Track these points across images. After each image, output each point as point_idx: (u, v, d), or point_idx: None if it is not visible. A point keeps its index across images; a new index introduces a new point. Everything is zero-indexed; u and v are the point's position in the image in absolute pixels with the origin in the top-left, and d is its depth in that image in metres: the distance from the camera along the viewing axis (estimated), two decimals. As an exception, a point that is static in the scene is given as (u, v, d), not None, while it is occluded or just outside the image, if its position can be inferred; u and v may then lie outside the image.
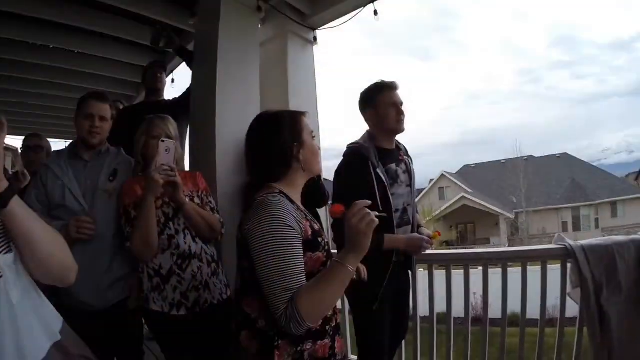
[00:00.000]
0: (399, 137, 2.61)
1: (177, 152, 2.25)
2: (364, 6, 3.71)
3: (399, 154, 2.55)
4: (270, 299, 1.30)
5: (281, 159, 1.55)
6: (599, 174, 32.65)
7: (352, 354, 3.41)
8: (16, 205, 1.06)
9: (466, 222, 31.17)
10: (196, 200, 2.31)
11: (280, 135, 1.55)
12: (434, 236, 2.53)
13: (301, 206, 1.59)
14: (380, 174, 2.35)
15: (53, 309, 1.26)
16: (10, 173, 3.67)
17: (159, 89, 3.81)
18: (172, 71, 5.16)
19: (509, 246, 24.01)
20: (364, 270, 1.94)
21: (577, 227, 29.20)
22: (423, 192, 34.76)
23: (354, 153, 2.43)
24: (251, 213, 1.43)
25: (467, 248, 19.92)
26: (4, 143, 1.12)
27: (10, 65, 4.97)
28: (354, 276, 1.37)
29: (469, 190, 31.85)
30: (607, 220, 28.76)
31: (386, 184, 2.35)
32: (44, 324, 1.17)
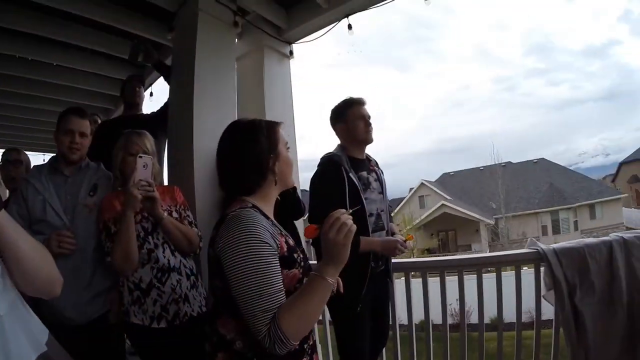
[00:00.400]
0: (373, 151, 2.71)
1: (155, 167, 2.29)
2: (339, 20, 3.80)
3: (369, 164, 2.69)
4: (251, 321, 1.23)
5: (256, 170, 1.47)
6: (576, 177, 33.15)
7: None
8: (4, 219, 1.08)
9: (447, 230, 31.34)
10: (174, 214, 2.34)
11: (257, 144, 1.47)
12: (408, 238, 2.63)
13: (275, 221, 1.51)
14: (353, 178, 2.47)
15: (39, 321, 1.28)
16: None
17: (137, 103, 3.82)
18: (150, 85, 5.14)
19: (490, 252, 24.24)
20: (339, 282, 1.96)
21: (556, 230, 29.60)
22: (403, 201, 34.98)
23: (327, 161, 2.55)
24: (223, 229, 1.35)
25: (449, 255, 20.04)
26: None
27: None
28: (334, 289, 1.32)
29: (449, 198, 32.10)
30: (586, 222, 29.22)
31: (359, 187, 2.46)
32: (30, 335, 1.19)
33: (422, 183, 35.10)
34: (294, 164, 1.59)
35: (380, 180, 2.69)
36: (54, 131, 2.39)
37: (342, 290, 1.91)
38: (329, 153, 2.61)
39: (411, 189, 35.94)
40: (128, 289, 2.19)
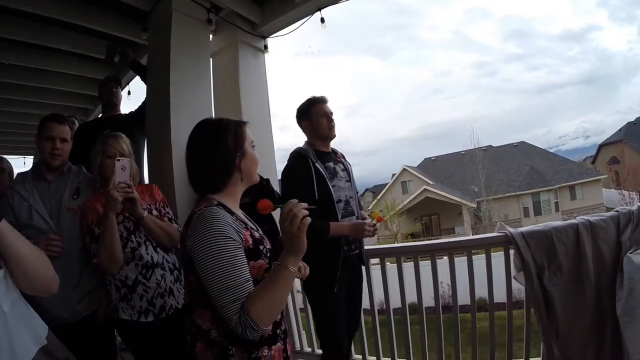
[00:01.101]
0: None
1: (133, 168, 2.35)
2: (312, 14, 3.86)
3: (336, 156, 2.84)
4: (222, 311, 1.32)
5: (223, 168, 1.53)
6: (556, 159, 33.53)
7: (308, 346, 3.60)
8: (5, 226, 1.23)
9: (430, 214, 31.57)
10: (154, 212, 2.42)
11: (223, 143, 1.52)
12: (374, 217, 2.72)
13: (241, 215, 1.59)
14: (319, 167, 2.62)
15: (39, 318, 1.40)
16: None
17: (115, 104, 3.82)
18: (127, 83, 5.13)
19: (473, 234, 24.51)
20: (304, 267, 2.03)
21: (538, 211, 30.01)
22: (386, 187, 35.21)
23: (295, 154, 2.72)
24: (190, 228, 1.42)
25: (433, 239, 20.23)
26: None
27: None
28: (298, 275, 1.44)
29: (431, 183, 32.30)
30: (566, 203, 29.66)
31: (325, 176, 2.61)
32: (31, 330, 1.33)
33: (404, 169, 35.31)
34: (258, 161, 1.63)
35: (347, 170, 2.82)
36: (36, 137, 2.44)
37: (304, 277, 1.91)
38: (297, 148, 2.76)
39: (393, 175, 36.19)
40: (115, 286, 2.27)
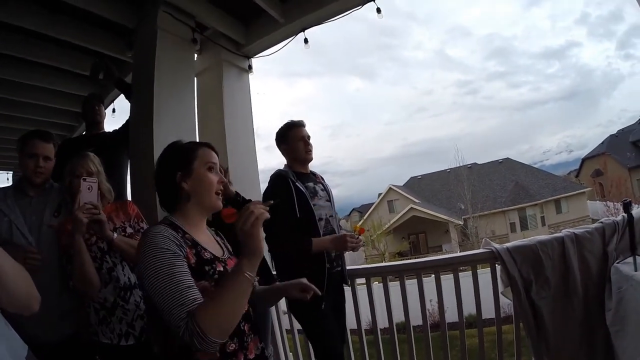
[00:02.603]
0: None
1: (104, 187, 2.34)
2: (296, 34, 3.91)
3: (315, 177, 2.90)
4: (170, 319, 1.24)
5: (166, 189, 1.56)
6: (540, 174, 33.85)
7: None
8: None
9: (417, 232, 31.63)
10: (128, 229, 2.36)
11: (167, 164, 1.57)
12: (355, 228, 2.75)
13: (194, 237, 1.51)
14: (300, 187, 2.66)
15: (19, 337, 1.38)
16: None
17: (98, 122, 3.79)
18: (112, 101, 5.15)
19: (460, 251, 24.54)
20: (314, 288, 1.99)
21: (524, 226, 30.19)
22: (373, 207, 35.26)
23: (275, 176, 2.76)
24: (138, 245, 1.42)
25: (420, 257, 20.22)
26: None
27: None
28: (254, 282, 1.36)
29: (417, 201, 32.41)
30: (552, 217, 29.87)
31: (307, 194, 2.65)
32: (11, 350, 1.30)
33: (390, 188, 35.38)
34: (212, 183, 1.57)
35: (326, 190, 2.88)
36: (19, 153, 2.41)
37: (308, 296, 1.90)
38: (277, 170, 2.81)
39: (380, 194, 36.25)
40: (94, 309, 2.21)
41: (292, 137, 2.82)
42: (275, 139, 2.92)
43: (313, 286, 1.88)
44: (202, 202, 1.56)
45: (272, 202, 1.39)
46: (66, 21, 3.82)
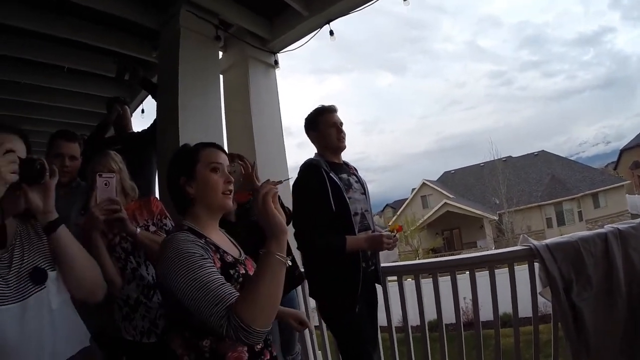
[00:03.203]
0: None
1: (126, 184, 2.31)
2: (321, 27, 3.84)
3: (348, 168, 2.71)
4: (210, 320, 1.21)
5: (174, 194, 1.57)
6: (577, 167, 32.99)
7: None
8: (63, 232, 1.43)
9: (451, 228, 31.25)
10: (151, 228, 2.32)
11: (172, 169, 1.58)
12: (392, 228, 2.56)
13: (214, 239, 1.52)
14: (334, 178, 2.47)
15: (83, 324, 1.55)
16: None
17: (124, 124, 3.81)
18: (141, 101, 5.22)
19: (495, 247, 24.15)
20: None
21: (561, 221, 29.40)
22: (406, 202, 34.98)
23: (306, 166, 2.57)
24: (159, 254, 1.40)
25: (455, 254, 19.97)
26: (53, 185, 1.42)
27: None
28: (288, 263, 1.30)
29: (451, 196, 32.01)
30: (590, 211, 29.01)
31: (341, 186, 2.47)
32: (75, 331, 1.49)
33: (423, 183, 35.05)
34: (217, 184, 1.55)
35: (361, 182, 2.70)
36: (45, 154, 2.42)
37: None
38: (307, 159, 2.64)
39: (413, 190, 35.96)
40: (118, 305, 2.20)
41: (323, 123, 2.63)
42: (304, 126, 2.75)
43: (309, 322, 1.88)
44: (209, 204, 1.55)
45: (282, 180, 1.38)
46: (93, 26, 3.90)
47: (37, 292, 1.34)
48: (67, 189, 2.45)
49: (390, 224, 2.76)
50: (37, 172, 1.38)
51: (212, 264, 1.33)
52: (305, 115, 2.73)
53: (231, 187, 1.57)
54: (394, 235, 2.48)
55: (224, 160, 1.60)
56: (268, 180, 1.35)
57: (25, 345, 1.30)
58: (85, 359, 1.48)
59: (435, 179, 38.10)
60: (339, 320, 2.52)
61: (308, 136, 2.74)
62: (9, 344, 1.27)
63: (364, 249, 2.47)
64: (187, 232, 1.43)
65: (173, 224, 2.41)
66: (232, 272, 1.44)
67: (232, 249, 1.60)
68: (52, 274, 1.40)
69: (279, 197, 1.41)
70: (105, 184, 2.06)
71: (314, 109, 2.73)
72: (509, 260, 2.69)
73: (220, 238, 1.60)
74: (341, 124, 2.66)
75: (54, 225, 1.41)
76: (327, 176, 2.47)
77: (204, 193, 1.53)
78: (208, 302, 1.21)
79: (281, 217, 1.28)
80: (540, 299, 2.61)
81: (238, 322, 1.16)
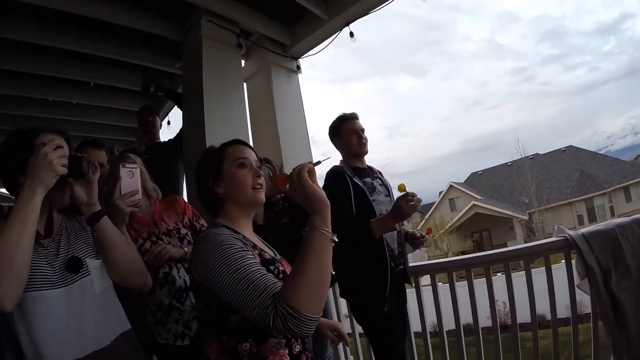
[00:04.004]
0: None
1: (148, 186, 2.31)
2: (340, 30, 3.86)
3: (372, 172, 2.80)
4: (254, 314, 1.13)
5: (204, 196, 1.55)
6: (606, 161, 32.20)
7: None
8: (106, 222, 1.58)
9: (480, 230, 30.73)
10: (182, 230, 2.33)
11: (199, 172, 1.56)
12: (400, 188, 2.54)
13: (250, 237, 1.47)
14: (358, 182, 2.56)
15: (123, 310, 1.67)
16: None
17: (152, 133, 3.89)
18: (167, 113, 5.31)
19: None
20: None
21: (592, 218, 28.56)
22: (434, 206, 34.55)
23: (330, 172, 2.66)
24: (195, 250, 1.36)
25: (485, 254, 19.66)
26: (96, 180, 1.58)
27: (13, 119, 5.08)
28: (335, 239, 1.22)
29: (479, 198, 31.53)
30: (622, 206, 28.14)
31: (365, 190, 2.55)
32: (117, 315, 1.62)
33: (450, 185, 34.60)
34: (244, 178, 1.50)
35: (385, 185, 2.79)
36: None
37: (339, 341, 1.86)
38: (332, 166, 2.72)
39: (440, 193, 35.58)
40: (151, 311, 2.23)
41: (345, 130, 2.74)
42: (328, 134, 2.85)
43: (346, 335, 1.84)
44: (240, 201, 1.50)
45: (320, 161, 1.33)
46: (117, 42, 4.00)
47: (81, 278, 1.48)
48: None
49: (418, 228, 2.72)
50: (83, 168, 1.50)
51: (252, 256, 1.27)
52: (329, 124, 2.82)
53: (261, 180, 1.52)
54: (414, 196, 2.40)
55: (251, 155, 1.56)
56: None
57: (71, 327, 1.41)
58: (125, 342, 1.59)
59: (462, 180, 37.62)
60: (369, 319, 2.55)
61: (332, 143, 2.84)
62: (55, 325, 1.38)
63: (392, 224, 2.48)
64: (223, 227, 1.39)
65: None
66: (272, 268, 1.38)
67: (266, 249, 1.55)
68: (96, 262, 1.55)
69: None
70: (129, 175, 1.97)
71: (336, 117, 2.83)
72: (544, 253, 2.64)
73: (254, 237, 1.56)
74: (362, 130, 2.77)
75: (98, 216, 1.56)
76: (351, 181, 2.55)
77: (233, 190, 1.50)
78: (251, 293, 1.14)
79: (322, 192, 1.22)
80: (578, 294, 2.53)
81: (286, 308, 1.08)
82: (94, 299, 1.49)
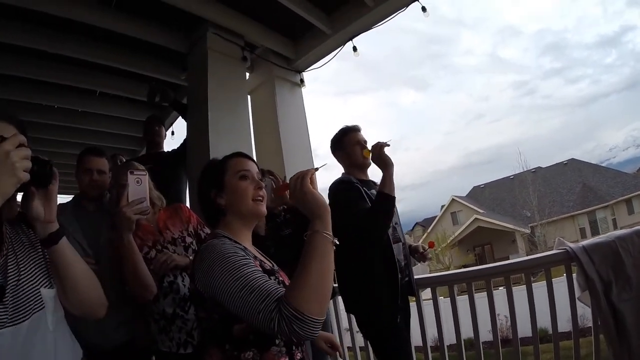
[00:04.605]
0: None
1: (152, 194, 2.27)
2: (344, 44, 3.91)
3: (375, 185, 2.72)
4: (258, 317, 1.13)
5: (205, 207, 1.56)
6: (608, 173, 32.16)
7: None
8: (65, 245, 1.24)
9: (483, 244, 30.63)
10: (187, 239, 2.35)
11: (201, 184, 1.58)
12: (430, 245, 2.58)
13: (250, 249, 1.49)
14: (366, 191, 2.54)
15: (76, 341, 1.39)
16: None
17: (157, 142, 3.93)
18: (171, 124, 5.36)
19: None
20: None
21: (595, 231, 28.30)
22: (436, 220, 34.52)
23: (338, 181, 2.64)
24: (197, 260, 1.36)
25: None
26: (56, 191, 1.22)
27: None
28: (336, 242, 1.24)
29: (481, 211, 31.44)
30: (624, 218, 27.91)
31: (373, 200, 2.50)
32: (71, 349, 1.33)
33: (453, 199, 34.58)
34: (245, 190, 1.51)
35: None
36: (75, 172, 2.51)
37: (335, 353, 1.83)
38: (337, 179, 2.70)
39: (442, 206, 35.53)
40: (154, 319, 2.23)
41: (347, 142, 2.73)
42: (331, 147, 2.84)
43: (339, 347, 1.83)
44: (241, 213, 1.52)
45: (317, 167, 1.36)
46: (124, 52, 4.05)
47: (33, 313, 1.16)
48: (98, 204, 2.51)
49: (420, 241, 2.75)
50: (48, 174, 1.18)
51: (254, 265, 1.28)
52: (331, 138, 2.82)
53: (262, 192, 1.54)
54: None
55: (252, 167, 1.58)
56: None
57: None
58: None
59: (465, 194, 37.56)
60: (382, 335, 2.50)
61: (335, 156, 2.82)
62: None
63: (388, 174, 2.49)
64: (224, 238, 1.40)
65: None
66: (272, 278, 1.35)
67: (265, 260, 1.57)
68: (50, 292, 1.23)
69: None
70: (137, 182, 1.94)
71: (339, 129, 2.83)
72: (545, 265, 2.64)
73: (254, 249, 1.57)
74: (365, 142, 2.74)
75: (56, 237, 1.22)
76: (362, 188, 2.53)
77: (234, 201, 1.50)
78: (256, 298, 1.14)
79: (322, 197, 1.26)
80: (579, 307, 2.53)
81: (291, 311, 1.08)
82: (48, 334, 1.20)
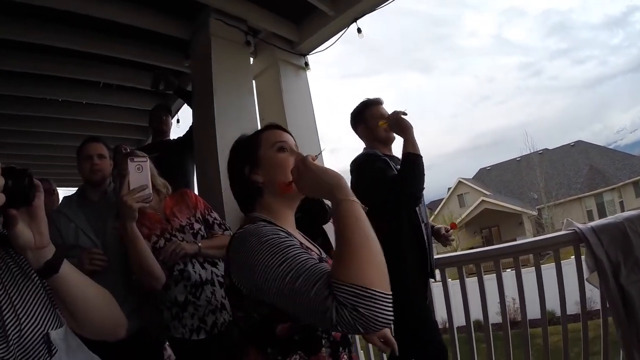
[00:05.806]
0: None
1: (157, 181, 2.30)
2: (348, 26, 3.85)
3: (400, 160, 2.58)
4: (310, 306, 0.95)
5: (240, 187, 1.40)
6: (616, 155, 31.97)
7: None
8: (68, 269, 0.99)
9: (490, 226, 30.61)
10: (195, 225, 2.35)
11: (234, 161, 1.43)
12: (452, 227, 2.54)
13: (291, 231, 1.28)
14: (393, 166, 2.44)
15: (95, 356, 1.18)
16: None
17: (164, 131, 3.97)
18: (176, 112, 5.31)
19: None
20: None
21: (602, 213, 28.12)
22: (442, 202, 34.43)
23: (363, 155, 2.56)
24: (232, 251, 1.19)
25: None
26: (42, 206, 0.95)
27: (22, 120, 5.18)
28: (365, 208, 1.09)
29: (488, 193, 31.35)
30: (632, 201, 27.79)
31: None
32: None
33: (459, 181, 34.44)
34: (284, 162, 1.34)
35: None
36: (77, 162, 2.55)
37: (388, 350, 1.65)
38: (360, 153, 2.61)
39: (449, 189, 35.46)
40: (166, 306, 2.24)
41: (370, 116, 2.61)
42: (350, 121, 2.73)
43: (394, 343, 1.62)
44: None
45: (316, 155, 1.25)
46: (125, 41, 4.02)
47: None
48: (102, 193, 2.53)
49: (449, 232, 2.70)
50: (27, 188, 0.89)
51: (300, 247, 1.10)
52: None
53: None
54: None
55: (290, 139, 1.42)
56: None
57: None
58: None
59: (471, 176, 37.47)
60: (415, 312, 2.37)
61: (355, 131, 2.71)
62: None
63: (409, 133, 2.43)
64: (261, 222, 1.24)
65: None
66: None
67: (313, 247, 1.40)
68: (60, 332, 0.99)
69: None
70: (138, 168, 1.86)
71: (360, 102, 2.70)
72: (554, 246, 2.64)
73: (299, 234, 1.41)
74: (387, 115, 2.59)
75: (55, 266, 0.96)
76: (389, 162, 2.44)
77: (273, 177, 1.33)
78: (305, 286, 0.96)
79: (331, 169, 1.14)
80: (588, 290, 2.53)
81: (347, 289, 0.90)
82: None
